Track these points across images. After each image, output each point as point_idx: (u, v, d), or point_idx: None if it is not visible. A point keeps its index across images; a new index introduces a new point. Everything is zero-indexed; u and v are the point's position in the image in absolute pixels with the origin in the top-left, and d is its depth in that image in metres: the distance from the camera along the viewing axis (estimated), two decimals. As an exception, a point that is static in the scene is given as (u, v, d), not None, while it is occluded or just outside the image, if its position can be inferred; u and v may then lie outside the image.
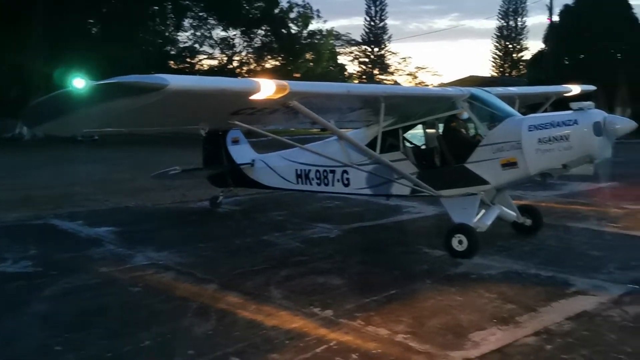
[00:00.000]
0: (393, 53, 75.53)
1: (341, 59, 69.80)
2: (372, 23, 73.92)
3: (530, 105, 11.69)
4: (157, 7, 49.24)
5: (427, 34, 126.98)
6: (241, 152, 11.82)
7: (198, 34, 53.88)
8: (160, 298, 6.47)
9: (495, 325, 5.54)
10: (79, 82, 4.78)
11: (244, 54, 55.72)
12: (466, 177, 8.39)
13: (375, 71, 73.86)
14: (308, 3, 54.37)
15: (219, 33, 54.54)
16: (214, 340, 5.25)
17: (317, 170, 10.24)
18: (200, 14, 52.63)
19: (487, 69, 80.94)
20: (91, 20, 46.27)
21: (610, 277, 7.04)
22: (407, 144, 9.39)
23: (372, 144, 9.17)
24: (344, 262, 8.06)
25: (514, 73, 74.61)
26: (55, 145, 29.67)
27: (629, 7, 45.15)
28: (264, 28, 52.39)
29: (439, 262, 7.90)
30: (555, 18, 47.12)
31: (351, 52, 74.15)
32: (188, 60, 55.28)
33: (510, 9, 77.01)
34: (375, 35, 73.96)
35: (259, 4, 51.49)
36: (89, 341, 5.24)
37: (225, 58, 56.27)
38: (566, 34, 43.70)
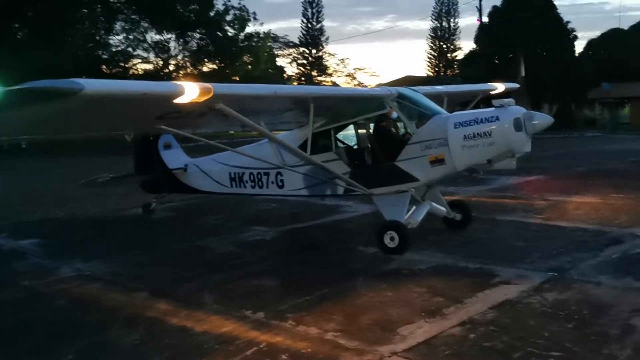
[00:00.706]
0: (331, 54, 76.10)
1: (280, 61, 69.71)
2: (309, 25, 74.09)
3: (463, 104, 12.03)
4: (86, 10, 47.68)
5: (365, 35, 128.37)
6: (173, 157, 11.59)
7: (131, 37, 52.49)
8: (86, 310, 6.29)
9: (423, 318, 5.67)
10: (-16, 89, 4.57)
11: (180, 57, 54.80)
12: (396, 175, 8.55)
13: (314, 73, 74.15)
14: (244, 6, 54.03)
15: (153, 36, 53.39)
16: (142, 350, 5.14)
17: (251, 173, 10.18)
18: (133, 16, 51.29)
19: (423, 69, 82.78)
20: (16, 25, 44.28)
21: (533, 266, 7.35)
22: (340, 144, 9.49)
23: (304, 145, 9.25)
24: (279, 264, 8.07)
25: (449, 72, 76.56)
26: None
27: (554, 7, 47.43)
28: (199, 31, 51.60)
29: (372, 259, 8.02)
30: (486, 19, 48.93)
31: (290, 54, 74.18)
32: (122, 64, 53.75)
33: (443, 11, 78.99)
34: (313, 37, 74.18)
35: (193, 6, 50.69)
36: (9, 359, 5.02)
37: (161, 62, 55.17)
38: (495, 34, 45.40)
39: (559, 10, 47.64)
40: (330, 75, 75.44)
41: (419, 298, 6.34)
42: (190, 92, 5.66)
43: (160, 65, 54.88)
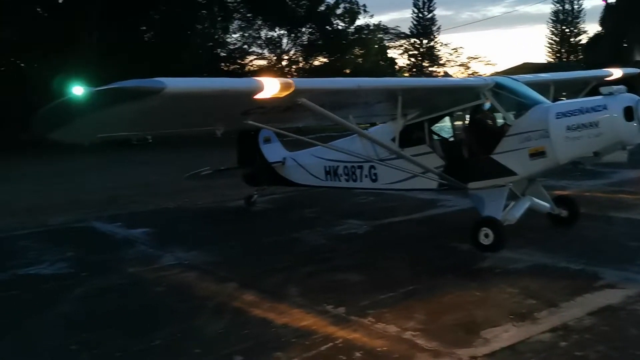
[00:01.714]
0: (444, 44, 74.02)
1: (391, 53, 69.06)
2: (420, 15, 72.70)
3: (576, 92, 11.16)
4: (205, 11, 50.23)
5: (481, 23, 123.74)
6: (273, 151, 11.91)
7: (246, 34, 54.66)
8: (179, 297, 6.61)
9: (511, 322, 5.36)
10: (78, 90, 4.94)
11: (292, 52, 56.20)
12: (493, 168, 8.14)
13: (425, 63, 72.66)
14: (354, -1, 54.16)
15: (267, 33, 55.19)
16: (223, 339, 5.32)
17: (345, 167, 10.20)
18: (248, 15, 53.35)
19: (543, 55, 78.04)
20: (143, 28, 47.70)
21: (645, 269, 6.69)
22: (435, 137, 9.21)
23: (398, 138, 9.12)
24: (368, 258, 8.00)
25: (572, 58, 71.65)
26: (111, 149, 30.61)
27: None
28: (309, 26, 52.62)
29: (465, 257, 7.73)
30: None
31: (401, 46, 73.26)
32: (238, 61, 56.07)
33: (566, -8, 73.99)
34: (424, 27, 72.65)
35: (303, 1, 51.71)
36: (103, 341, 5.40)
37: (275, 57, 56.90)
38: (624, 15, 41.75)
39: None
40: (443, 65, 73.53)
41: (509, 299, 6.01)
42: (270, 87, 5.73)
43: (274, 60, 56.66)
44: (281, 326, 5.55)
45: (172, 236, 9.98)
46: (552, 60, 73.55)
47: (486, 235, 7.73)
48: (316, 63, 56.08)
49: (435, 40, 73.27)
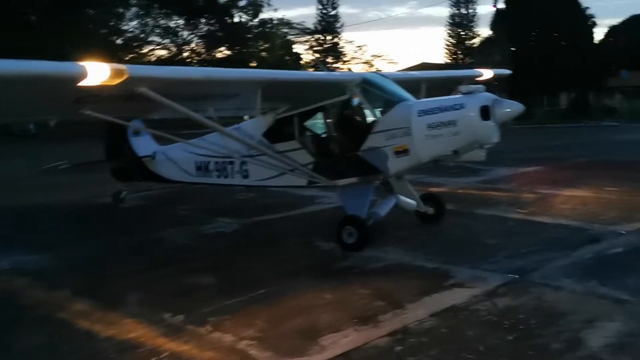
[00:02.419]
0: (349, 41, 74.93)
1: (297, 48, 68.97)
2: (325, 11, 73.08)
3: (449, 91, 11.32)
4: (97, -6, 47.45)
5: (386, 22, 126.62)
6: (142, 144, 11.13)
7: (143, 22, 52.32)
8: (-2, 308, 5.87)
9: (354, 326, 5.13)
10: None
11: (193, 44, 54.48)
12: (359, 165, 8.00)
13: (329, 59, 73.15)
14: (258, -8, 53.38)
15: (167, 22, 53.12)
16: (32, 357, 4.70)
17: (217, 162, 9.69)
18: (145, 1, 51.06)
19: (441, 56, 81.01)
20: (27, 10, 44.27)
21: (495, 267, 6.74)
22: (306, 133, 8.92)
23: (269, 133, 8.79)
24: (228, 259, 7.58)
25: (466, 60, 74.91)
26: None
27: (573, -8, 45.78)
28: (208, 17, 51.22)
29: (326, 256, 7.52)
30: (502, 5, 47.53)
31: (307, 41, 73.36)
32: (137, 51, 53.58)
33: (462, -3, 77.10)
34: (328, 24, 73.15)
35: (202, -9, 50.29)
36: None
37: (175, 48, 54.92)
38: (512, 21, 44.05)
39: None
40: (347, 62, 74.40)
41: (359, 301, 5.80)
42: (96, 74, 5.11)
43: (175, 51, 54.67)
44: (105, 339, 4.99)
45: (16, 238, 9.02)
46: (449, 61, 76.58)
47: (350, 234, 7.59)
48: (219, 55, 54.77)
49: (340, 37, 74.07)
